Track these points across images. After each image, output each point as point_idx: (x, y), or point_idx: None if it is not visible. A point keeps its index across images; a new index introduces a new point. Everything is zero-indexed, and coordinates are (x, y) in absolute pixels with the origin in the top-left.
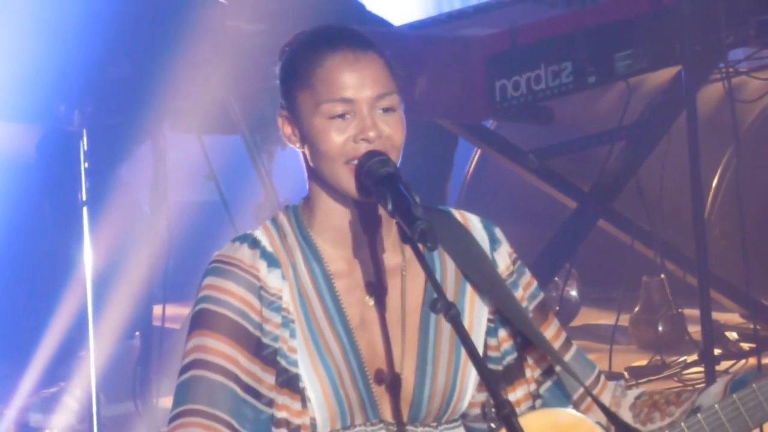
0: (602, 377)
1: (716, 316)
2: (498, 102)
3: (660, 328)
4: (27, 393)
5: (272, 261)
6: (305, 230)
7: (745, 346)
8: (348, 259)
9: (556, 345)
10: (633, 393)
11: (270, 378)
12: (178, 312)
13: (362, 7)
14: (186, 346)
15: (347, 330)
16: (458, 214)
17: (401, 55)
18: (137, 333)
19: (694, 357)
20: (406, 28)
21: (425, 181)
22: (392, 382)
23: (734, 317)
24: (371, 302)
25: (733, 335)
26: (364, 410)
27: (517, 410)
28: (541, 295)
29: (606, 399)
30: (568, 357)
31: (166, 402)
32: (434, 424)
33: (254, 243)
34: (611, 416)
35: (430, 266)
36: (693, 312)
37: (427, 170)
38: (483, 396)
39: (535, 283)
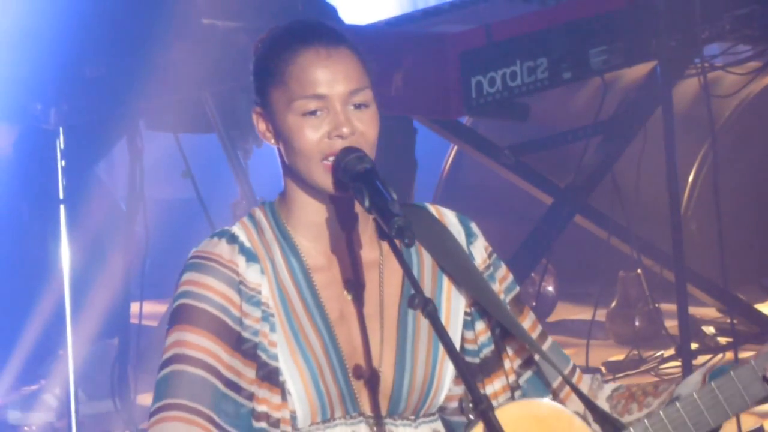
0: (578, 370)
1: (693, 310)
2: (473, 98)
3: (637, 323)
4: (5, 390)
5: (251, 256)
6: (282, 226)
7: (722, 340)
8: (326, 253)
9: (533, 337)
10: (610, 386)
11: (250, 372)
12: (155, 309)
13: (335, 11)
14: (166, 341)
15: (327, 324)
16: (434, 209)
17: (376, 52)
18: (116, 330)
19: (671, 351)
20: (381, 25)
21: (389, 176)
22: (371, 377)
23: (711, 312)
24: (350, 297)
25: (710, 329)
26: (344, 404)
27: (495, 402)
28: (517, 289)
29: (583, 391)
30: (544, 349)
31: (144, 399)
32: (412, 417)
33: (232, 238)
34: (590, 405)
35: (407, 261)
36: (670, 307)
37: (389, 166)
38: (460, 389)
39: (511, 277)
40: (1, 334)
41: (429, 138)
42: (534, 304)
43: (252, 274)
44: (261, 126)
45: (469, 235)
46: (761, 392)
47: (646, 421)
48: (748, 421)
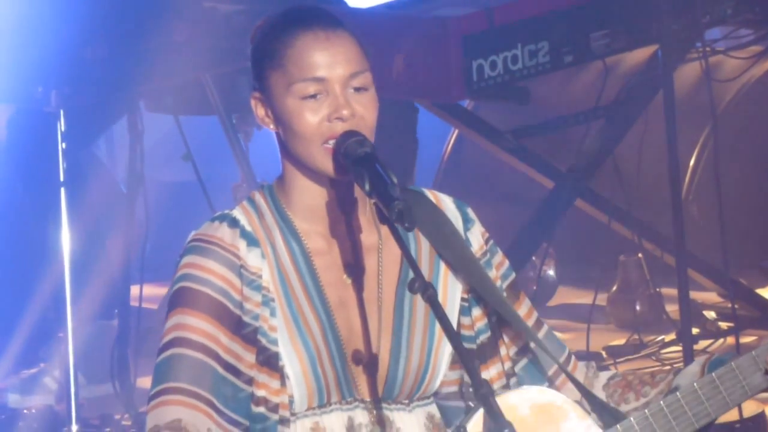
0: (573, 358)
1: (694, 295)
2: (475, 82)
3: (638, 308)
4: (5, 374)
5: (251, 240)
6: (282, 209)
7: (723, 325)
8: (326, 237)
9: (528, 324)
10: (605, 374)
11: (250, 356)
12: (155, 292)
13: None
14: (165, 324)
15: (326, 309)
16: (431, 194)
17: (378, 36)
18: (116, 311)
19: (672, 336)
20: (382, 9)
21: (389, 158)
22: (369, 361)
23: (712, 296)
24: (349, 281)
25: (711, 314)
26: (340, 389)
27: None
28: (513, 275)
29: (579, 379)
30: (539, 336)
31: (144, 382)
32: (406, 401)
33: (233, 222)
34: (586, 393)
35: (405, 246)
36: (671, 291)
37: (391, 144)
38: (456, 374)
39: (507, 263)
40: (1, 318)
41: (430, 121)
42: (535, 288)
43: (253, 258)
44: (260, 111)
45: (466, 221)
46: (762, 383)
47: (646, 410)
48: (749, 406)
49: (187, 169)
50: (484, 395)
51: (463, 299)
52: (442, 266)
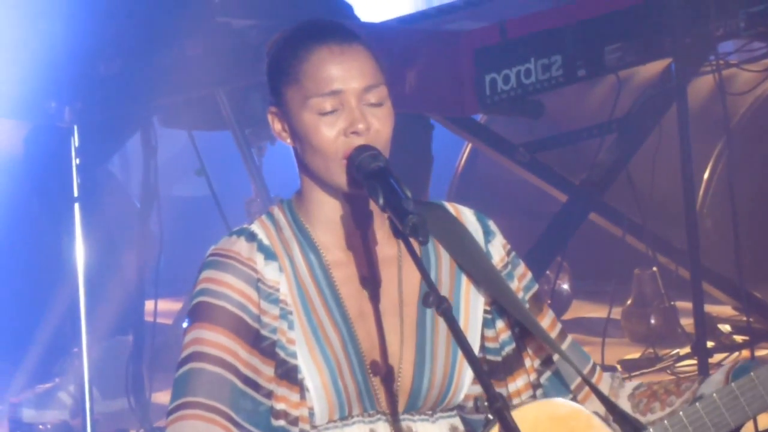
0: (598, 368)
1: (709, 308)
2: (488, 96)
3: (652, 321)
4: (20, 389)
5: (269, 254)
6: (300, 222)
7: (738, 338)
8: (344, 249)
9: (552, 335)
10: (631, 384)
11: (269, 370)
12: (169, 307)
13: (351, 9)
14: (184, 339)
15: (346, 320)
16: (451, 207)
17: (390, 50)
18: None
19: (687, 350)
20: (395, 23)
21: (404, 174)
22: (390, 374)
23: (727, 309)
24: (368, 293)
25: (725, 328)
26: (362, 401)
27: (519, 399)
28: (536, 287)
29: (603, 390)
30: (563, 348)
31: (159, 397)
32: (430, 412)
33: (251, 236)
34: (609, 405)
35: (425, 259)
36: (685, 304)
37: (405, 162)
38: (479, 388)
39: (529, 275)
40: (16, 333)
41: (444, 134)
42: (549, 302)
43: (270, 272)
44: (276, 126)
45: (487, 233)
46: None
47: (666, 421)
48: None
49: (200, 184)
50: (498, 409)
51: (485, 311)
52: (464, 279)
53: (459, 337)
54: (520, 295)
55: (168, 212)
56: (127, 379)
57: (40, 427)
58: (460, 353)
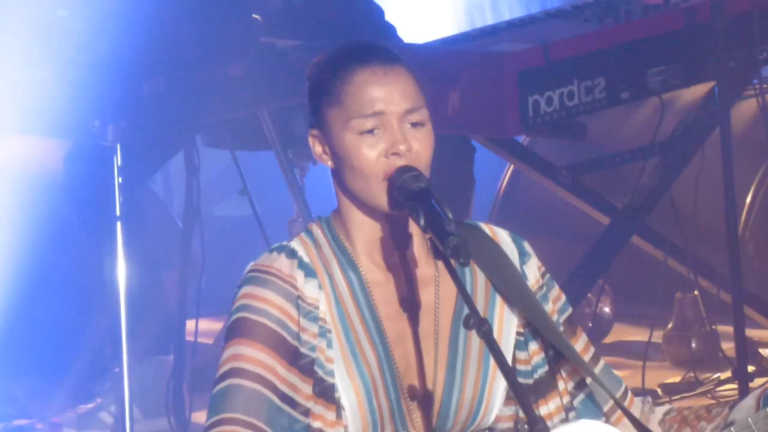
0: (629, 393)
1: (750, 332)
2: (531, 117)
3: (693, 345)
4: (61, 409)
5: (309, 271)
6: (340, 241)
7: None
8: (383, 269)
9: (585, 359)
10: (661, 409)
11: (307, 388)
12: (210, 327)
13: (394, 30)
14: (223, 354)
15: (383, 341)
16: (487, 228)
17: (433, 71)
18: (172, 346)
19: (728, 374)
20: (438, 44)
21: (446, 197)
22: (423, 394)
23: None
24: (406, 314)
25: (767, 352)
26: (394, 421)
27: (551, 423)
28: (570, 309)
29: (635, 414)
30: (596, 371)
31: (199, 417)
32: None
33: (291, 253)
34: (642, 429)
35: (461, 279)
36: (726, 328)
37: (447, 183)
38: (510, 410)
39: (563, 297)
40: (57, 352)
41: (486, 155)
42: (590, 325)
43: (310, 289)
44: (317, 149)
45: (523, 255)
46: None
47: None
48: None
49: (243, 203)
50: None
51: (518, 333)
52: (498, 300)
53: (500, 360)
54: (555, 317)
55: (210, 232)
56: (168, 399)
57: None
58: (491, 374)
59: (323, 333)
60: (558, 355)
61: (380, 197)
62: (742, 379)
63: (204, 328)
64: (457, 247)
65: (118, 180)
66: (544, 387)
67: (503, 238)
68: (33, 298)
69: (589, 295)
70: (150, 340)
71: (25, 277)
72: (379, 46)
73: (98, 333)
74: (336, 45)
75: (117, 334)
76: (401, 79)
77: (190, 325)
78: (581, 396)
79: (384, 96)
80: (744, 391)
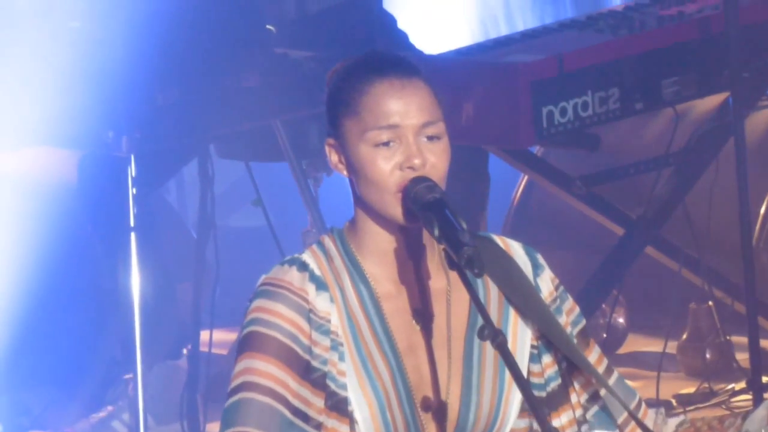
0: (643, 404)
1: (764, 343)
2: (545, 128)
3: (708, 356)
4: (75, 417)
5: (320, 284)
6: (351, 253)
7: None
8: (395, 281)
9: (599, 371)
10: (674, 421)
11: (319, 401)
12: (225, 337)
13: (406, 38)
14: (234, 368)
15: (395, 354)
16: (500, 240)
17: (447, 82)
18: (184, 351)
19: (742, 384)
20: (452, 54)
21: (461, 192)
22: (438, 407)
23: None
24: (418, 326)
25: None
26: None
27: None
28: (583, 322)
29: (648, 425)
30: (610, 383)
31: (213, 427)
32: None
33: (303, 266)
34: None
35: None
36: (741, 339)
37: (463, 181)
38: (524, 423)
39: (577, 309)
40: (71, 363)
41: (500, 166)
42: (605, 335)
43: (322, 303)
44: (333, 157)
45: (536, 267)
46: None
47: None
48: None
49: (257, 214)
50: None
51: (532, 346)
52: (512, 312)
53: (515, 372)
54: (568, 330)
55: (224, 242)
56: (182, 409)
57: None
58: (506, 386)
59: (335, 346)
60: (571, 368)
61: (394, 209)
62: (757, 390)
63: (218, 338)
64: (471, 258)
65: (132, 191)
66: (557, 400)
67: (516, 250)
68: (46, 308)
69: (604, 305)
70: (163, 350)
71: (39, 288)
72: (398, 57)
73: (112, 343)
74: (355, 54)
75: (131, 344)
76: (419, 93)
77: (204, 335)
78: (595, 408)
79: (400, 109)
80: (758, 402)
